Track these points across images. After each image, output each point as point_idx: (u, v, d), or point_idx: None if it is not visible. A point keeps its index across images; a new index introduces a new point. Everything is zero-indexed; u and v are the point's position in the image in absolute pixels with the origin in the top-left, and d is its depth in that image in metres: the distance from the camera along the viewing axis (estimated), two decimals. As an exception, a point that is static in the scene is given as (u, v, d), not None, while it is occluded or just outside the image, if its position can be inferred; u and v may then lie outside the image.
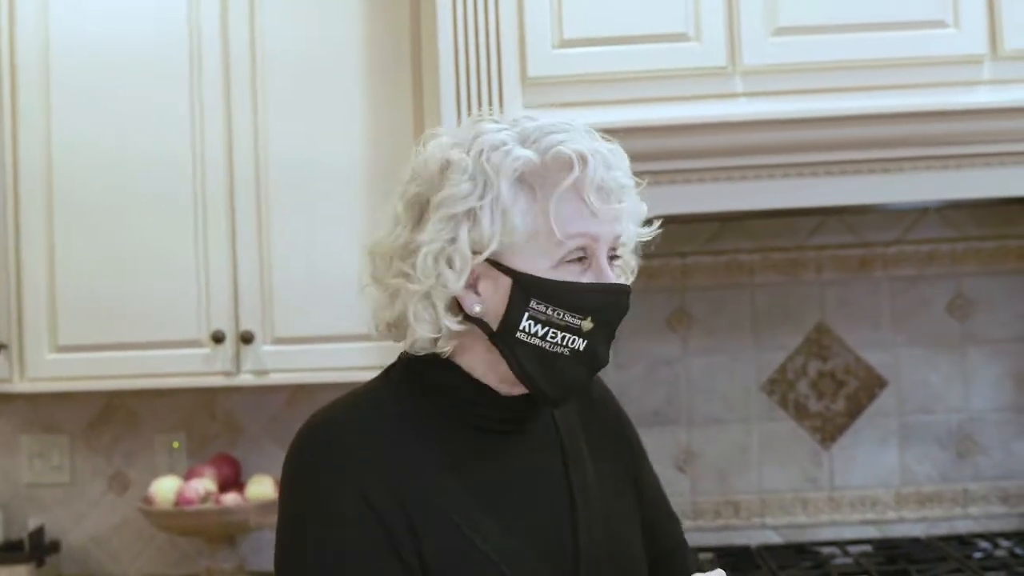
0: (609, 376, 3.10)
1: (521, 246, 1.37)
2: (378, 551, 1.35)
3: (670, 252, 3.17)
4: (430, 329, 1.38)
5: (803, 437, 3.15)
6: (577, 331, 1.37)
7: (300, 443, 1.42)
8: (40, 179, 2.95)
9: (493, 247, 1.36)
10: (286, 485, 1.42)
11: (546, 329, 1.36)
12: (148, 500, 2.98)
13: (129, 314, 2.92)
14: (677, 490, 3.14)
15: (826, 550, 3.00)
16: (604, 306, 1.39)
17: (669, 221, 2.90)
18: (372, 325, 1.48)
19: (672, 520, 1.69)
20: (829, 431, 3.14)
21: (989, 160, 2.62)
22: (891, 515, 3.12)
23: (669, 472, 3.14)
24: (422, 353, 1.42)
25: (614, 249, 1.43)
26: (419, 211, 1.40)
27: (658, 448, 3.14)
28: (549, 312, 1.36)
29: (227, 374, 2.91)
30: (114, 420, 3.26)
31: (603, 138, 1.46)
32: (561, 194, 1.36)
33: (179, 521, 2.93)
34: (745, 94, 2.65)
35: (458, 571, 1.36)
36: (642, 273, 3.09)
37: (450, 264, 1.36)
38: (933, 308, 3.14)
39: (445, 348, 1.41)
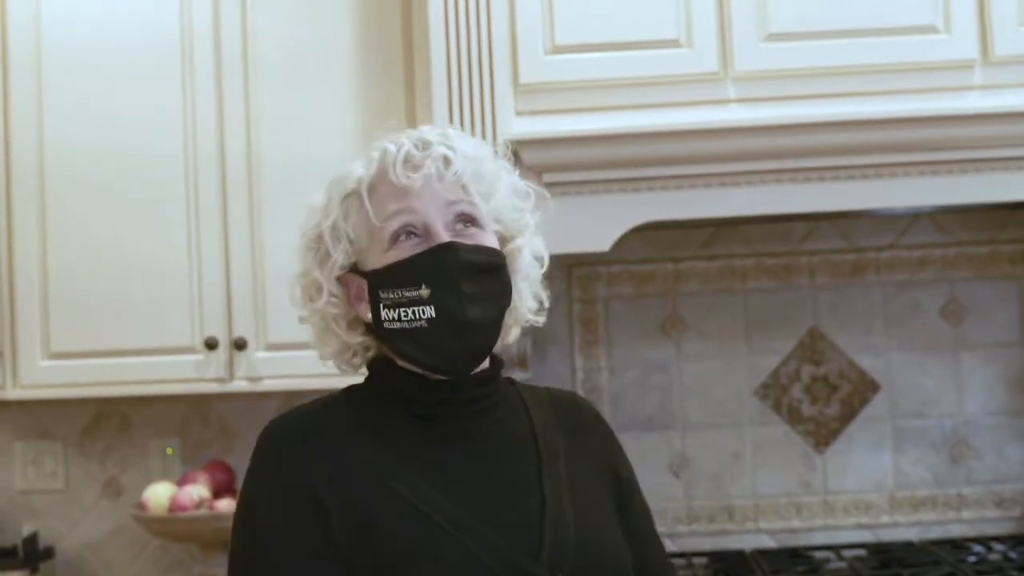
0: (603, 381, 3.14)
1: (365, 250, 1.49)
2: (316, 546, 1.41)
3: (663, 257, 3.17)
4: (338, 349, 1.53)
5: (797, 441, 3.15)
6: (419, 301, 1.44)
7: (257, 443, 1.50)
8: (33, 185, 2.96)
9: (339, 263, 1.49)
10: (243, 483, 1.51)
11: (397, 311, 1.45)
12: (141, 506, 2.98)
13: (122, 320, 2.92)
14: (671, 495, 3.15)
15: (820, 554, 3.00)
16: (432, 269, 1.45)
17: (662, 226, 2.94)
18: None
19: (659, 548, 1.69)
20: (823, 435, 3.15)
21: (979, 166, 2.63)
22: (885, 519, 3.13)
23: (663, 477, 3.15)
24: (351, 370, 1.56)
25: (465, 220, 1.49)
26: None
27: (652, 453, 3.16)
28: (393, 295, 1.45)
29: (220, 380, 2.92)
30: (107, 426, 3.26)
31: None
32: (371, 185, 1.48)
33: (173, 527, 2.93)
34: (737, 100, 2.66)
35: (409, 546, 1.40)
36: (635, 278, 3.15)
37: (316, 288, 1.51)
38: (926, 313, 3.14)
39: (357, 362, 1.54)
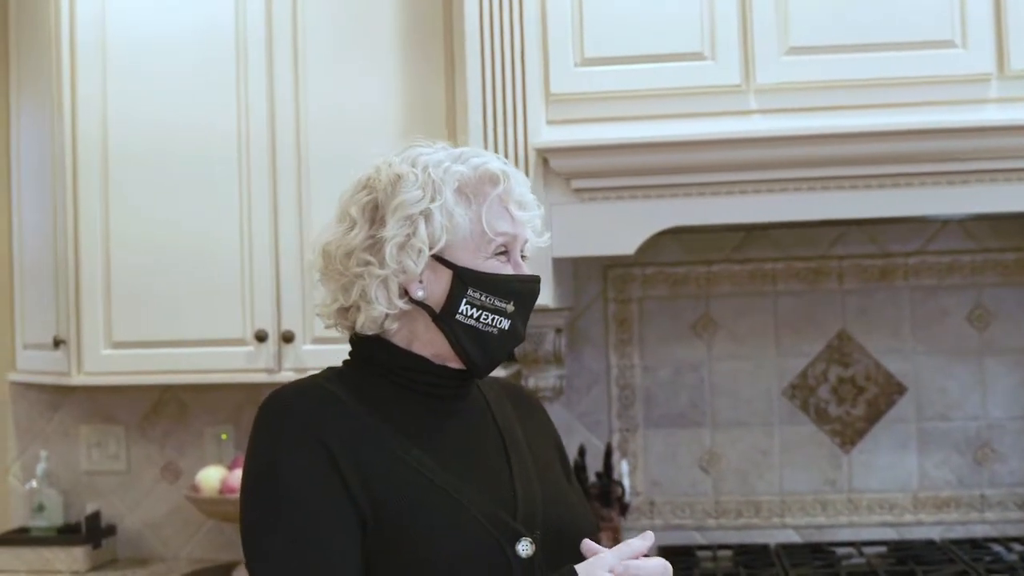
0: (636, 379, 3.27)
1: (459, 243, 1.64)
2: (335, 499, 1.55)
3: (696, 260, 3.29)
4: (385, 307, 1.63)
5: (823, 441, 3.24)
6: (503, 313, 1.66)
7: (260, 413, 1.63)
8: (97, 178, 3.17)
9: (442, 243, 1.63)
10: (248, 449, 1.62)
11: (480, 312, 1.64)
12: (195, 488, 3.17)
13: (178, 313, 3.12)
14: (700, 490, 3.27)
15: (842, 550, 3.10)
16: (523, 292, 1.68)
17: (696, 230, 3.06)
18: (321, 317, 1.73)
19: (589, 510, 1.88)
20: (849, 435, 3.24)
21: (995, 176, 2.70)
22: (909, 518, 3.21)
23: (693, 472, 3.27)
24: (369, 333, 1.67)
25: (522, 250, 1.71)
26: (372, 215, 1.66)
27: (682, 449, 3.27)
28: (483, 298, 1.64)
29: (269, 371, 3.09)
30: (166, 412, 3.46)
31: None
32: (491, 200, 1.66)
33: (222, 508, 3.11)
34: (759, 111, 2.77)
35: (411, 503, 1.57)
36: (669, 280, 3.27)
37: (410, 254, 1.63)
38: (953, 318, 3.22)
39: (392, 326, 1.66)
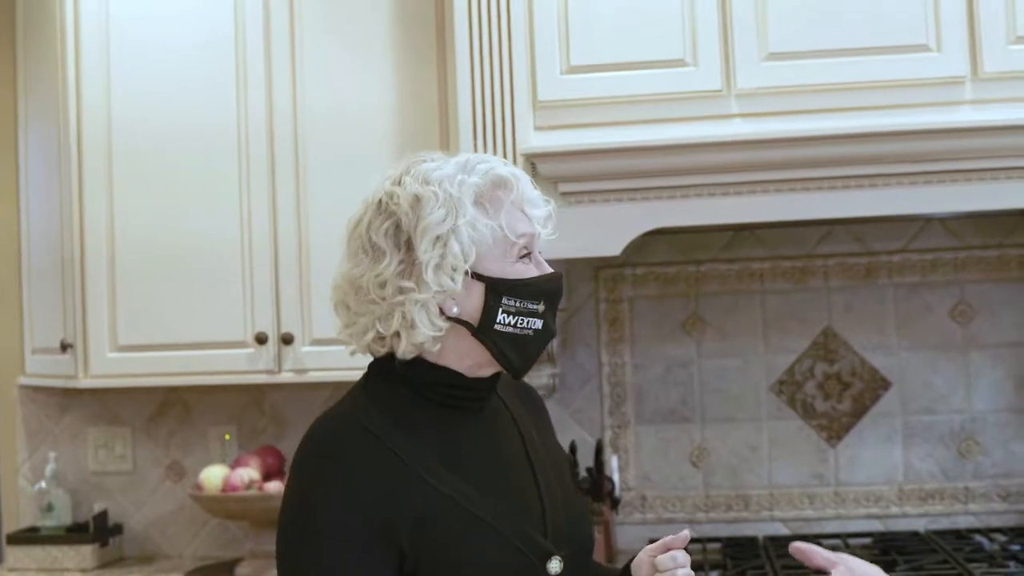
0: (627, 377, 3.35)
1: (486, 253, 1.66)
2: (377, 553, 1.60)
3: (685, 260, 3.37)
4: (431, 330, 1.65)
5: (810, 435, 3.32)
6: (535, 314, 1.69)
7: (304, 452, 1.67)
8: (103, 177, 3.26)
9: (473, 256, 1.64)
10: (295, 491, 1.66)
11: (516, 318, 1.67)
12: (198, 487, 3.26)
13: (181, 316, 3.21)
14: (691, 484, 3.35)
15: (829, 542, 3.16)
16: (550, 290, 1.72)
17: (684, 231, 3.13)
18: (354, 347, 1.73)
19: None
20: (835, 430, 3.32)
21: (970, 176, 2.77)
22: (894, 510, 3.29)
23: (684, 467, 3.35)
24: (410, 357, 1.68)
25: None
26: (397, 240, 1.67)
27: (673, 444, 3.36)
28: (517, 304, 1.67)
29: (270, 372, 3.18)
30: (171, 414, 3.55)
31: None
32: (507, 206, 1.69)
33: (225, 506, 3.20)
34: (739, 115, 2.84)
35: (449, 535, 1.61)
36: (659, 279, 3.35)
37: (447, 273, 1.64)
38: (936, 314, 3.30)
39: (435, 348, 1.67)
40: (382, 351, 1.68)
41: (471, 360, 1.69)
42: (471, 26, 2.90)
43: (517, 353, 1.68)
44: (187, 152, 3.23)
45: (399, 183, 1.68)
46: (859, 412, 3.31)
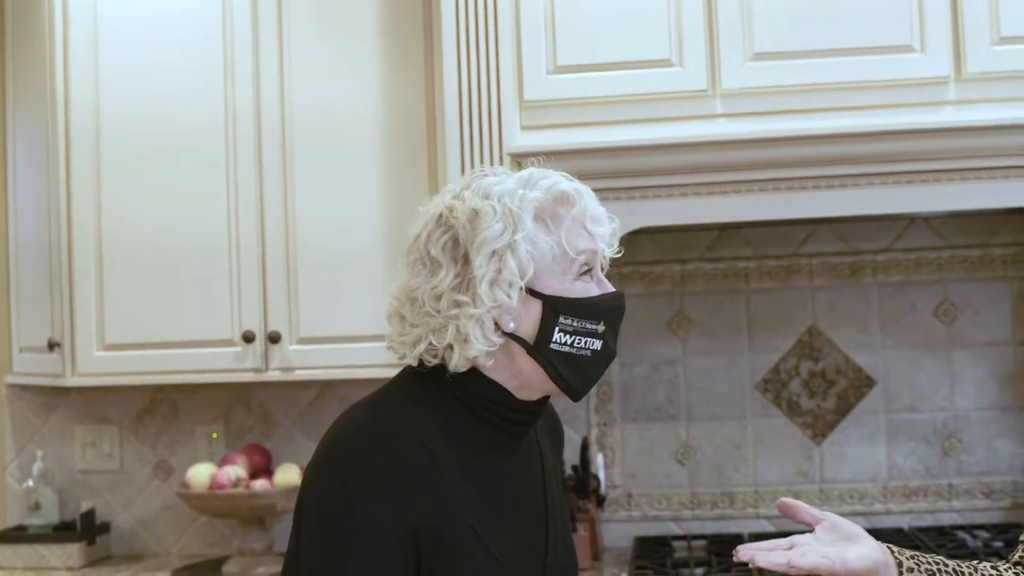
0: (613, 375, 3.36)
1: (545, 269, 1.63)
2: (404, 552, 1.58)
3: (671, 259, 3.39)
4: (485, 345, 1.63)
5: (795, 433, 3.35)
6: (595, 334, 1.64)
7: (340, 437, 1.64)
8: (91, 191, 3.26)
9: (531, 272, 1.61)
10: (334, 483, 1.61)
11: (573, 337, 1.63)
12: (185, 485, 3.26)
13: (169, 315, 3.21)
14: (677, 482, 3.37)
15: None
16: (611, 310, 1.67)
17: (670, 230, 3.15)
18: (403, 352, 1.69)
19: None
20: (820, 428, 3.34)
21: (953, 176, 2.80)
22: (879, 507, 3.31)
23: (670, 465, 3.37)
24: (462, 370, 1.65)
25: (601, 265, 1.71)
26: (454, 253, 1.65)
27: (659, 442, 3.37)
28: (575, 323, 1.63)
29: (256, 371, 3.19)
30: (159, 413, 3.56)
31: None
32: (569, 221, 1.65)
33: (212, 504, 3.21)
34: (724, 115, 2.86)
35: (466, 571, 1.60)
36: (645, 278, 3.37)
37: (503, 288, 1.62)
38: (920, 313, 3.32)
39: (488, 363, 1.64)
40: (433, 362, 1.66)
41: (523, 378, 1.65)
42: (458, 25, 2.92)
43: (574, 373, 1.64)
44: (175, 151, 3.22)
45: (459, 197, 1.66)
46: (844, 410, 3.33)
